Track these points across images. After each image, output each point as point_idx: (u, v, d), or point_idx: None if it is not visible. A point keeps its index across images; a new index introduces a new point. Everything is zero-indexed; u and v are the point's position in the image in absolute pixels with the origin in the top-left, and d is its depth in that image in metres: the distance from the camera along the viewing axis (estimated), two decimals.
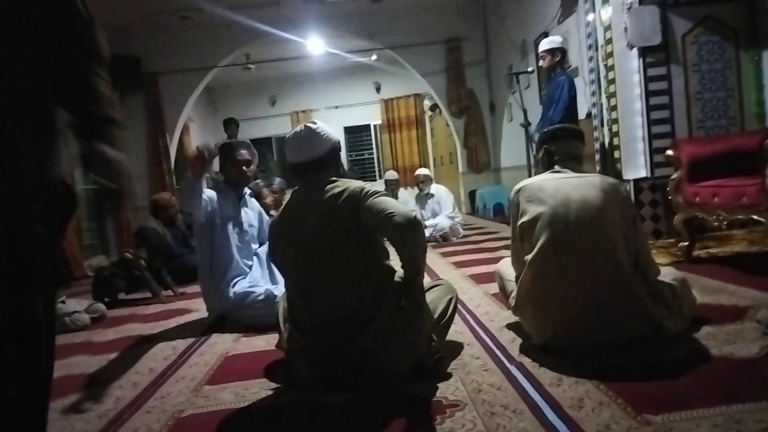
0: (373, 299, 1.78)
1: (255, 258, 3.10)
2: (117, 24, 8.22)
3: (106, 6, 7.47)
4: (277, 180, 4.85)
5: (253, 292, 2.89)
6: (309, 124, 1.92)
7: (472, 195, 9.13)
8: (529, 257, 1.95)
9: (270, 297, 2.82)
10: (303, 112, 12.49)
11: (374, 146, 12.88)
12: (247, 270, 3.02)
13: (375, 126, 12.72)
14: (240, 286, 2.95)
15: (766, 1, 3.98)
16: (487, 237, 5.79)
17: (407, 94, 12.15)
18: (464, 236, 5.98)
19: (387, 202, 1.76)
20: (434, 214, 6.00)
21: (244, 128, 12.67)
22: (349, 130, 12.78)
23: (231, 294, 2.90)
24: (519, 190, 2.08)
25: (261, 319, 2.79)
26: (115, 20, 8.09)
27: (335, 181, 1.88)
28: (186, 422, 1.75)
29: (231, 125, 7.75)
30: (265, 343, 2.56)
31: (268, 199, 4.21)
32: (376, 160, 12.74)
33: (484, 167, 9.26)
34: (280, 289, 2.90)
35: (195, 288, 4.39)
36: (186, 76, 8.86)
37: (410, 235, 1.71)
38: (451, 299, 2.07)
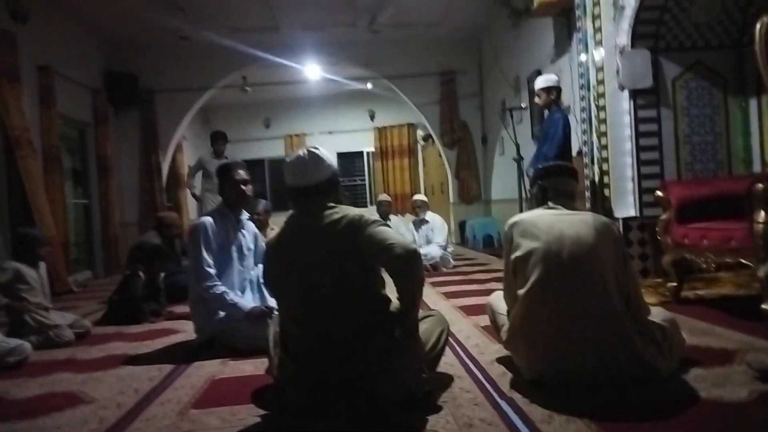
0: (367, 327, 1.78)
1: (249, 282, 3.08)
2: (116, 40, 8.29)
3: (107, 21, 7.56)
4: (263, 202, 4.85)
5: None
6: (311, 149, 1.93)
7: (462, 225, 9.18)
8: (521, 292, 1.97)
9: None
10: (297, 135, 12.57)
11: (366, 173, 12.96)
12: (240, 294, 3.00)
13: (368, 153, 12.81)
14: None
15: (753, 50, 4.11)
16: (476, 268, 5.81)
17: (401, 123, 12.29)
18: (454, 267, 6.00)
19: (387, 232, 1.77)
20: (428, 241, 6.04)
21: (237, 149, 12.69)
22: (342, 156, 12.84)
23: (221, 316, 2.87)
24: (513, 225, 2.10)
25: (250, 343, 2.76)
26: (115, 36, 8.16)
27: (333, 207, 1.88)
28: None
29: (219, 140, 7.62)
30: (254, 367, 2.54)
31: (269, 229, 4.21)
32: (367, 187, 12.80)
33: (474, 198, 9.34)
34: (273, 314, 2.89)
35: (183, 307, 4.36)
36: (182, 95, 8.90)
37: (409, 268, 1.72)
38: (442, 331, 2.07)
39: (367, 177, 12.97)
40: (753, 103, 4.16)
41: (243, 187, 3.01)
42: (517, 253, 2.04)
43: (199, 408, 2.04)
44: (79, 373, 2.64)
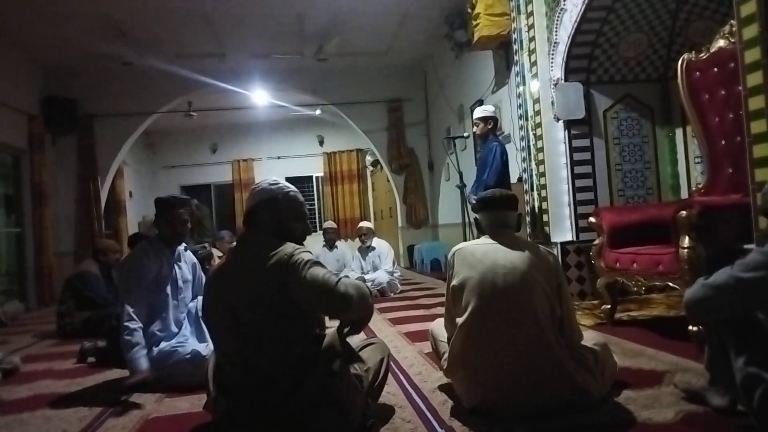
0: (302, 364, 1.76)
1: (186, 314, 3.00)
2: (55, 65, 8.04)
3: (46, 46, 7.33)
4: (226, 234, 4.80)
5: (178, 351, 2.78)
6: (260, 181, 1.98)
7: (410, 249, 9.26)
8: (460, 320, 2.00)
9: (196, 357, 2.72)
10: (245, 160, 12.45)
11: (316, 197, 12.92)
12: (176, 330, 2.91)
13: (317, 177, 12.80)
14: (165, 343, 2.83)
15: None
16: (423, 293, 5.86)
17: (350, 148, 12.37)
18: (401, 291, 6.02)
19: (327, 275, 1.72)
20: (374, 268, 6.05)
21: (183, 174, 12.47)
22: (292, 181, 12.60)
23: (155, 353, 2.77)
24: (455, 252, 2.15)
25: (186, 379, 2.68)
26: (54, 61, 7.91)
27: (269, 242, 1.83)
28: None
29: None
30: (190, 404, 2.45)
31: (215, 263, 4.13)
32: (317, 211, 12.75)
33: (422, 223, 9.45)
34: (208, 348, 2.81)
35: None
36: (124, 120, 8.68)
37: (363, 307, 1.75)
38: (382, 360, 2.07)
39: (316, 201, 12.93)
40: (679, 133, 4.43)
41: (179, 228, 2.95)
42: (454, 282, 2.09)
43: None
44: (3, 416, 2.48)
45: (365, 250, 6.21)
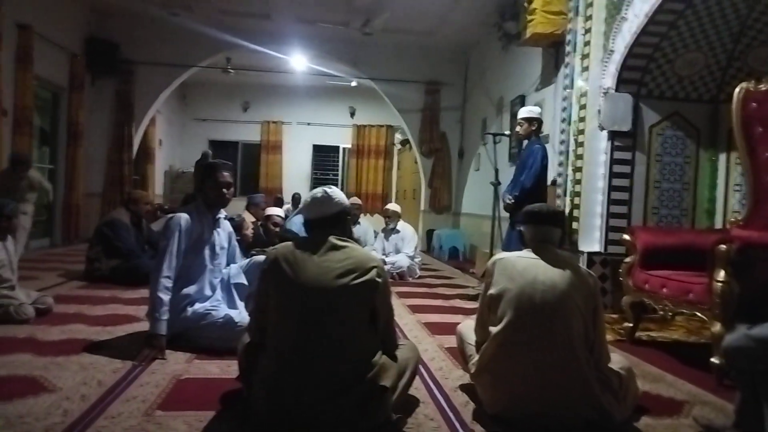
0: (355, 371, 1.85)
1: (219, 280, 3.08)
2: (102, 6, 8.08)
3: None
4: (260, 199, 4.91)
5: (212, 314, 2.87)
6: (326, 189, 2.10)
7: (429, 234, 9.29)
8: (494, 330, 2.05)
9: (229, 322, 2.81)
10: (274, 122, 12.49)
11: (341, 168, 12.96)
12: (210, 294, 2.99)
13: (344, 149, 12.82)
14: (199, 305, 2.92)
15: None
16: (441, 282, 5.91)
17: (380, 123, 12.35)
18: (420, 277, 6.08)
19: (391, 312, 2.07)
20: (397, 250, 6.10)
21: (213, 129, 12.56)
22: (318, 149, 12.83)
23: (189, 314, 2.86)
24: (496, 261, 2.18)
25: (216, 342, 2.77)
26: (101, 2, 7.94)
27: (344, 242, 2.01)
28: None
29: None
30: (220, 369, 2.55)
31: (248, 231, 4.19)
32: (340, 182, 12.80)
33: (444, 209, 9.47)
34: (241, 315, 2.90)
35: (145, 293, 4.31)
36: (163, 70, 8.76)
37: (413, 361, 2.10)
38: (415, 361, 2.14)
39: (341, 172, 12.97)
40: (722, 158, 4.37)
41: (225, 190, 3.00)
42: (492, 291, 2.12)
43: (165, 410, 2.05)
44: (41, 356, 2.60)
45: (389, 232, 6.25)
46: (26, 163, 5.58)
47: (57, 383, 2.26)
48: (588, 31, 4.56)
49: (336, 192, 2.10)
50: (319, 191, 2.10)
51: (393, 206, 6.56)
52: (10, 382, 2.26)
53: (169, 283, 2.79)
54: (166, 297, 2.75)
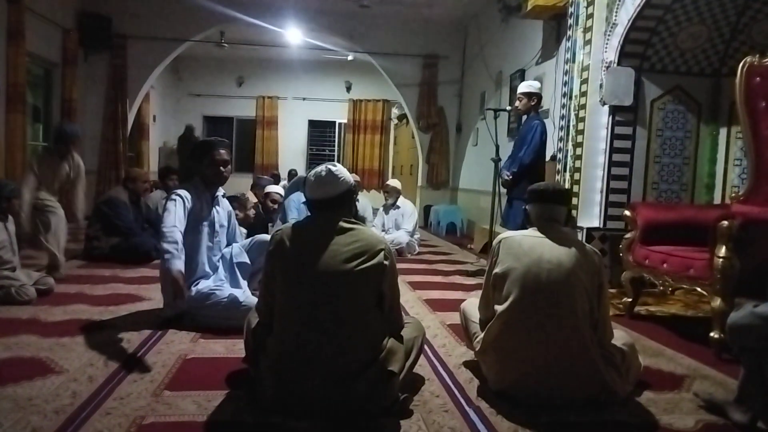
0: (362, 356, 1.85)
1: (221, 259, 3.07)
2: None
3: None
4: (266, 181, 4.86)
5: (216, 294, 2.88)
6: (330, 166, 2.00)
7: (426, 210, 9.29)
8: (499, 309, 2.06)
9: (234, 302, 2.82)
10: (269, 97, 12.36)
11: (336, 144, 12.88)
12: (211, 272, 2.99)
13: (340, 124, 12.72)
14: (203, 284, 2.92)
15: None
16: (440, 258, 5.93)
17: (377, 98, 12.23)
18: (418, 253, 6.10)
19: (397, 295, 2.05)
20: (396, 226, 6.11)
21: (207, 104, 12.42)
22: (314, 124, 12.73)
23: (193, 293, 2.86)
24: (501, 240, 2.18)
25: (221, 322, 2.79)
26: None
27: (350, 222, 1.96)
28: (149, 430, 1.75)
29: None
30: (225, 348, 2.56)
31: (251, 212, 4.17)
32: (336, 158, 12.72)
33: (442, 185, 9.45)
34: (245, 294, 2.91)
35: (145, 272, 4.32)
36: (157, 44, 8.61)
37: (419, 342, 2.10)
38: (420, 339, 2.15)
39: (337, 148, 12.89)
40: (723, 132, 4.35)
41: (222, 168, 2.98)
42: (497, 270, 2.13)
43: (173, 390, 2.07)
44: (45, 338, 2.61)
45: (389, 207, 6.25)
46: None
47: (64, 364, 2.27)
48: (591, 3, 4.49)
49: (341, 170, 2.00)
50: (323, 169, 1.99)
51: (393, 182, 6.54)
52: (17, 364, 2.27)
53: (175, 231, 2.70)
54: (175, 236, 2.67)
